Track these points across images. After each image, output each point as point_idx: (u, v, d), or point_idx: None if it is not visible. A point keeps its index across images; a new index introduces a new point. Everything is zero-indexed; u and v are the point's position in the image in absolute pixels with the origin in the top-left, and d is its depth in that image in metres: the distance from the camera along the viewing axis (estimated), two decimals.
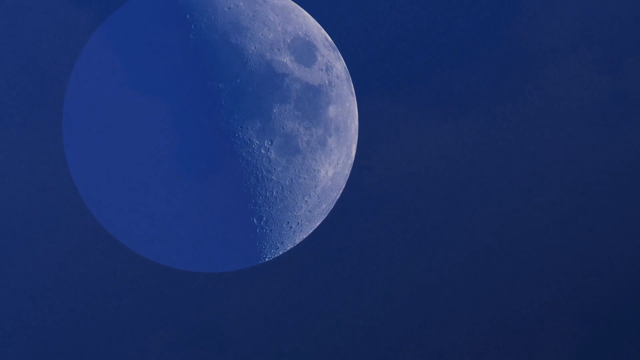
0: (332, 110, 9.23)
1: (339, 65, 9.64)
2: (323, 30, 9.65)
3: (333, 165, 9.39)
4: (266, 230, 9.17)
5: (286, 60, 8.86)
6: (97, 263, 13.65)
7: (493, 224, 14.55)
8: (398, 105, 14.22)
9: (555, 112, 14.63)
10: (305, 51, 9.08)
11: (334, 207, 9.94)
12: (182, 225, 9.01)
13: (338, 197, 9.92)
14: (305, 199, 9.21)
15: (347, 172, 9.83)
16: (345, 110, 9.52)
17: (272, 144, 8.75)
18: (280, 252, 9.76)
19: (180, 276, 13.57)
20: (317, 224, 9.93)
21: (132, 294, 13.77)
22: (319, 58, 9.22)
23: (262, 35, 8.83)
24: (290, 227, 9.38)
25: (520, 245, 14.61)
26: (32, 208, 13.65)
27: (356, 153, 9.93)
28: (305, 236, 9.88)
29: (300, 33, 9.09)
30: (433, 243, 14.35)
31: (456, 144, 14.35)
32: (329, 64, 9.36)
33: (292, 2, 9.40)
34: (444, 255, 14.30)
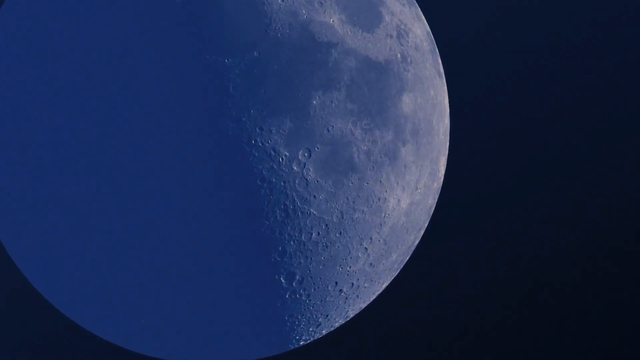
0: (407, 102, 7.92)
1: (419, 29, 8.37)
2: None
3: (409, 190, 8.07)
4: (302, 295, 7.93)
5: (333, 20, 7.60)
6: None
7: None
8: (516, 94, 11.86)
9: None
10: (364, 6, 7.86)
11: (410, 257, 8.66)
12: (171, 294, 7.62)
13: (417, 241, 8.62)
14: (365, 245, 7.92)
15: (431, 201, 8.54)
16: (428, 101, 8.17)
17: (310, 156, 7.43)
18: (324, 332, 8.50)
19: None
20: (384, 286, 8.60)
21: None
22: (387, 17, 7.98)
23: None
24: (340, 290, 8.05)
25: None
26: None
27: (446, 170, 8.69)
28: (363, 306, 8.54)
29: None
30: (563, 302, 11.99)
31: (592, 152, 12.27)
32: (403, 26, 8.11)
33: None
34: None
